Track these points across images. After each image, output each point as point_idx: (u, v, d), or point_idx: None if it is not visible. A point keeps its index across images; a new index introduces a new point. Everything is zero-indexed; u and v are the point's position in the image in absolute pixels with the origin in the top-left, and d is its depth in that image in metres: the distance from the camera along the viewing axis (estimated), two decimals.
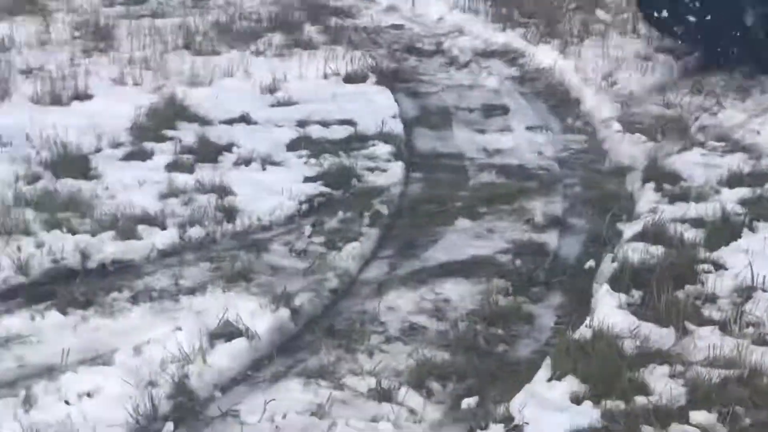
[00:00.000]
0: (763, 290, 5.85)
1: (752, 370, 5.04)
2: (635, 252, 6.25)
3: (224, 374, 5.21)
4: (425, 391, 5.10)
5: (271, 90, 9.61)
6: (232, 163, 7.83)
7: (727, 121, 8.83)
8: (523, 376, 5.15)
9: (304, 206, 7.17)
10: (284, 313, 5.70)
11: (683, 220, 6.76)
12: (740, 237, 6.52)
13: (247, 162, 7.85)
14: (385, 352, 5.48)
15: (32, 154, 7.76)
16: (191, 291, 6.00)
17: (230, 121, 8.74)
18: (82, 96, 9.30)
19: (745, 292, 5.84)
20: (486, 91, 10.23)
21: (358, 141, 8.42)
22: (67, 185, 7.20)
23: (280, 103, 9.34)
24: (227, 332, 5.46)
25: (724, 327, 5.49)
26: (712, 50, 9.94)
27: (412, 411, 4.95)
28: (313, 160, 7.94)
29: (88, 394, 4.92)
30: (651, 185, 7.43)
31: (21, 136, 8.12)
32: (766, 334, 5.42)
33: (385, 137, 8.47)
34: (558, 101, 9.84)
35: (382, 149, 8.23)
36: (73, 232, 6.51)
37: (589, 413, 4.74)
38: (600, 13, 11.93)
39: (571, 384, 4.96)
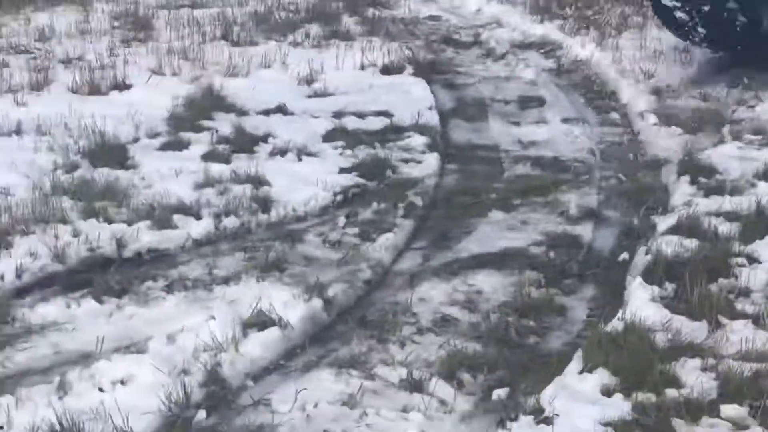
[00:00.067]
0: None
1: None
2: (669, 245, 6.23)
3: (256, 363, 5.24)
4: (456, 382, 5.10)
5: (308, 81, 9.64)
6: (267, 154, 7.87)
7: (764, 114, 8.77)
8: (554, 368, 5.14)
9: (339, 197, 7.20)
10: (317, 303, 5.73)
11: (718, 214, 6.72)
12: None
13: (282, 153, 7.88)
14: (417, 342, 5.50)
15: (71, 144, 7.84)
16: (225, 280, 6.05)
17: (267, 112, 8.78)
18: (121, 86, 9.38)
19: None
20: (522, 82, 10.23)
21: (393, 132, 8.43)
22: (105, 174, 7.26)
23: (316, 94, 9.37)
24: (260, 321, 5.48)
25: (757, 321, 5.46)
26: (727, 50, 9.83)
27: (442, 402, 4.96)
28: (348, 152, 7.96)
29: (122, 382, 4.96)
30: (686, 178, 7.40)
31: (60, 126, 8.20)
32: None
33: (420, 129, 8.48)
34: (594, 93, 9.81)
35: (418, 141, 8.24)
36: (110, 221, 6.58)
37: (620, 406, 4.73)
38: None
39: (602, 376, 4.95)
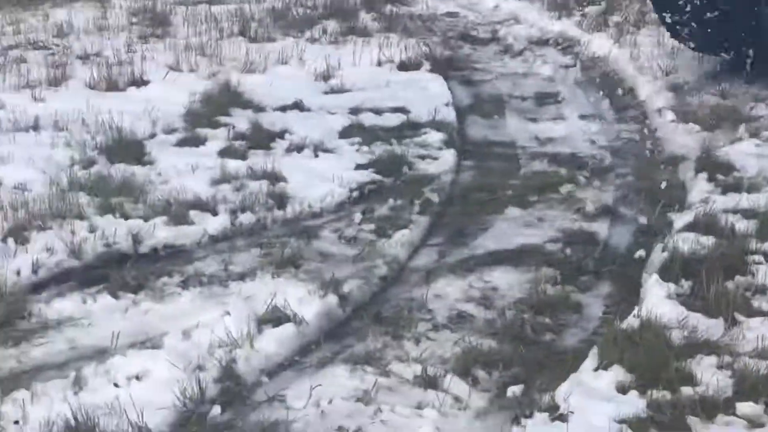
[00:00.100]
0: None
1: None
2: (686, 242, 6.21)
3: (271, 359, 5.24)
4: (471, 378, 5.09)
5: (325, 77, 9.65)
6: (284, 150, 7.87)
7: None
8: (569, 365, 5.14)
9: (355, 193, 7.20)
10: (332, 299, 5.72)
11: (735, 211, 6.70)
12: None
13: (299, 149, 7.88)
14: (432, 339, 5.49)
15: (88, 139, 7.86)
16: (241, 276, 6.05)
17: (283, 108, 8.78)
18: (138, 82, 9.40)
19: None
20: (540, 79, 10.21)
21: (410, 129, 8.43)
22: (121, 170, 7.28)
23: (333, 91, 9.37)
24: (275, 318, 5.48)
25: None
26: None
27: (457, 398, 4.96)
28: (365, 148, 7.96)
29: (137, 377, 4.97)
30: (704, 175, 7.37)
31: (77, 121, 8.22)
32: None
33: (437, 125, 8.48)
34: (612, 90, 9.78)
35: (434, 137, 8.23)
36: (126, 217, 6.59)
37: (635, 403, 4.72)
38: None
39: (617, 374, 4.94)
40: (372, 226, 6.74)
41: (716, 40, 9.48)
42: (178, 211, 6.66)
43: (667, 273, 5.87)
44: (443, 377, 5.06)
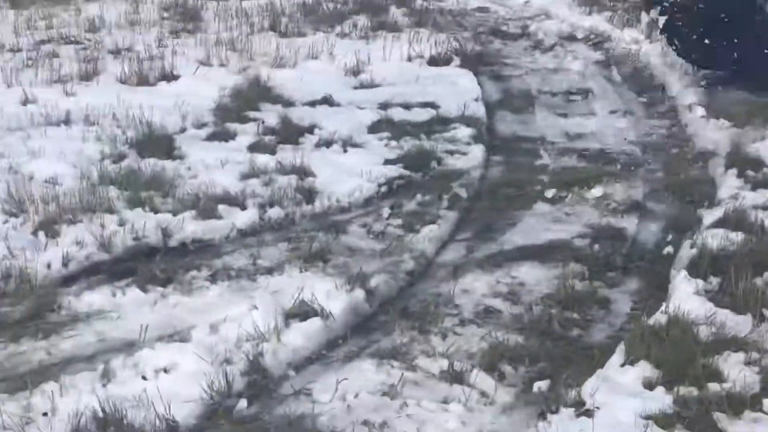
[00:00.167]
0: None
1: None
2: (715, 238, 6.18)
3: (298, 353, 5.25)
4: (497, 373, 5.09)
5: (355, 72, 9.67)
6: (313, 145, 7.89)
7: None
8: (596, 360, 5.12)
9: (383, 188, 7.22)
10: (359, 293, 5.73)
11: (765, 207, 6.68)
12: None
13: (328, 144, 7.90)
14: (459, 334, 5.49)
15: (118, 134, 7.91)
16: (268, 271, 6.07)
17: (313, 103, 8.81)
18: (169, 77, 9.45)
19: None
20: (570, 74, 10.21)
21: (439, 124, 8.44)
22: (151, 164, 7.32)
23: (363, 86, 9.39)
24: (302, 312, 5.50)
25: None
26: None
27: (483, 393, 4.95)
28: (393, 143, 7.97)
29: (165, 370, 5.00)
30: (733, 171, 7.35)
31: (108, 116, 8.27)
32: None
33: (466, 120, 8.48)
34: (642, 85, 9.77)
35: (463, 132, 8.24)
36: (156, 211, 6.63)
37: (662, 399, 4.71)
38: None
39: (644, 369, 4.93)
40: (400, 221, 6.75)
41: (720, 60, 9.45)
42: (207, 206, 6.68)
43: (695, 269, 5.85)
44: (469, 372, 5.06)
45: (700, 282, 5.71)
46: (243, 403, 4.84)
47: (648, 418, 4.57)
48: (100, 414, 4.64)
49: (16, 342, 5.32)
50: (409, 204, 7.00)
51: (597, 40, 11.19)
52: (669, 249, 6.44)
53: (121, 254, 6.24)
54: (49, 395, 4.78)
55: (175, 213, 6.59)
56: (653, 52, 10.32)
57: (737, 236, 6.22)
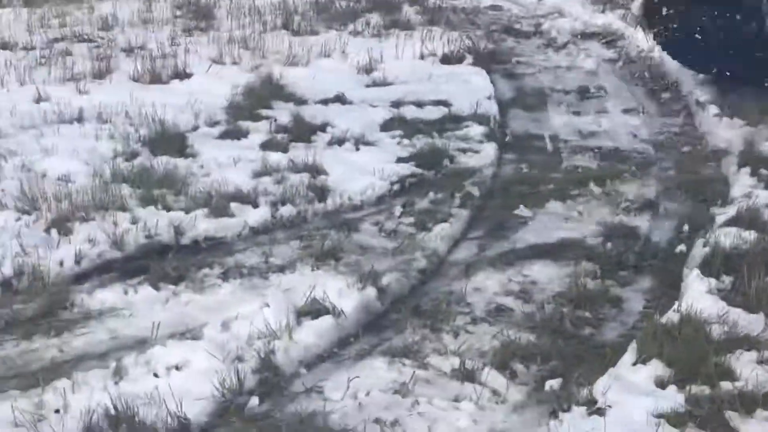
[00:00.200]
0: None
1: None
2: (727, 237, 6.17)
3: (310, 351, 5.25)
4: (509, 372, 5.08)
5: (367, 70, 9.67)
6: (325, 143, 7.90)
7: None
8: (608, 359, 5.12)
9: (396, 186, 7.22)
10: (371, 292, 5.73)
11: None
12: None
13: (340, 142, 7.90)
14: (470, 332, 5.48)
15: (131, 132, 7.92)
16: (280, 268, 6.07)
17: (325, 101, 8.81)
18: (182, 75, 9.46)
19: None
20: (583, 72, 10.20)
21: (451, 122, 8.44)
22: (164, 162, 7.32)
23: (375, 84, 9.39)
24: (314, 310, 5.50)
25: None
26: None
27: (495, 392, 4.95)
28: (406, 141, 7.97)
29: (177, 368, 5.00)
30: (746, 170, 7.34)
31: (121, 114, 8.29)
32: None
33: (479, 118, 8.48)
34: (655, 84, 9.75)
35: (476, 130, 8.23)
36: (168, 209, 6.63)
37: (674, 397, 4.70)
38: None
39: (656, 368, 4.92)
40: (412, 220, 6.75)
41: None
42: (219, 204, 6.69)
43: (708, 268, 5.83)
44: (481, 370, 5.06)
45: (713, 281, 5.70)
46: (254, 400, 4.84)
47: (660, 416, 4.56)
48: (112, 411, 4.64)
49: (28, 339, 5.33)
50: (421, 202, 6.99)
51: (610, 39, 11.17)
52: (682, 247, 6.43)
53: (133, 252, 6.24)
54: (61, 392, 4.79)
55: (187, 211, 6.60)
56: None
57: (750, 235, 6.20)
